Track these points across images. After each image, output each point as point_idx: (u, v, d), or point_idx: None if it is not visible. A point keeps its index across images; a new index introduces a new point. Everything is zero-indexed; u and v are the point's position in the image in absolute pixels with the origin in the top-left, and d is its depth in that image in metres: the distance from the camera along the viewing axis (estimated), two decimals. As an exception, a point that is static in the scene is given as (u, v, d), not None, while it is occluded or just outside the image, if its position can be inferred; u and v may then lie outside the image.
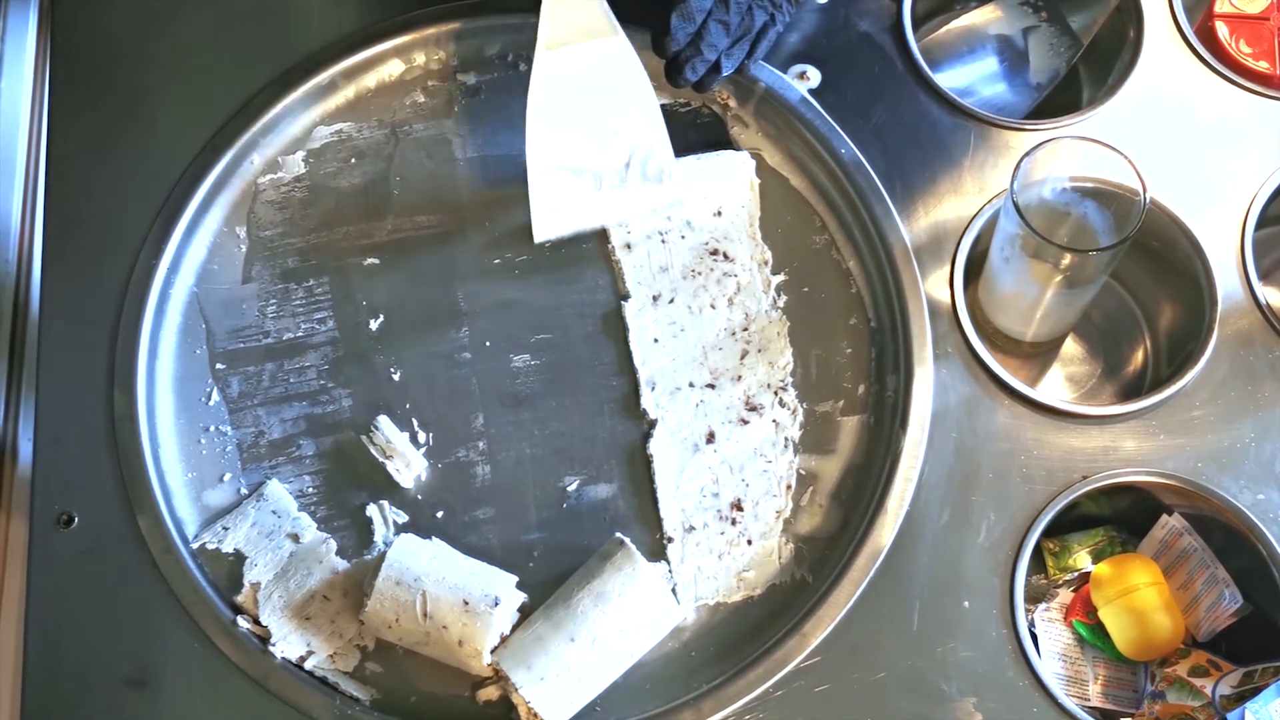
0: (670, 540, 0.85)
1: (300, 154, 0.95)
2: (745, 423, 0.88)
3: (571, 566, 0.82)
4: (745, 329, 0.90)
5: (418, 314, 0.91)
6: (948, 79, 1.00)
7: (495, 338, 0.90)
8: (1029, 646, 0.80)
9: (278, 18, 0.98)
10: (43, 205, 0.94)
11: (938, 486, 0.84)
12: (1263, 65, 0.96)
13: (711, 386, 0.88)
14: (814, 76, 0.96)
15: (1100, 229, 0.84)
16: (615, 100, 0.88)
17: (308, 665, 0.81)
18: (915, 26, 0.98)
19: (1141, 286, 0.95)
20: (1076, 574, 0.87)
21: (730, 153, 0.94)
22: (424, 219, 0.94)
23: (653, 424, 0.87)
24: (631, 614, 0.78)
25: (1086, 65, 1.03)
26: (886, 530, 0.83)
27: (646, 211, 0.92)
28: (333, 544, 0.84)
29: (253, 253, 0.93)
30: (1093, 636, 0.85)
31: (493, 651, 0.79)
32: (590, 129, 0.89)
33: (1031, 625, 0.85)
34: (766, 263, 0.92)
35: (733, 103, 0.96)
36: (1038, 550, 0.86)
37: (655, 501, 0.86)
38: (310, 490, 0.86)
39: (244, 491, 0.86)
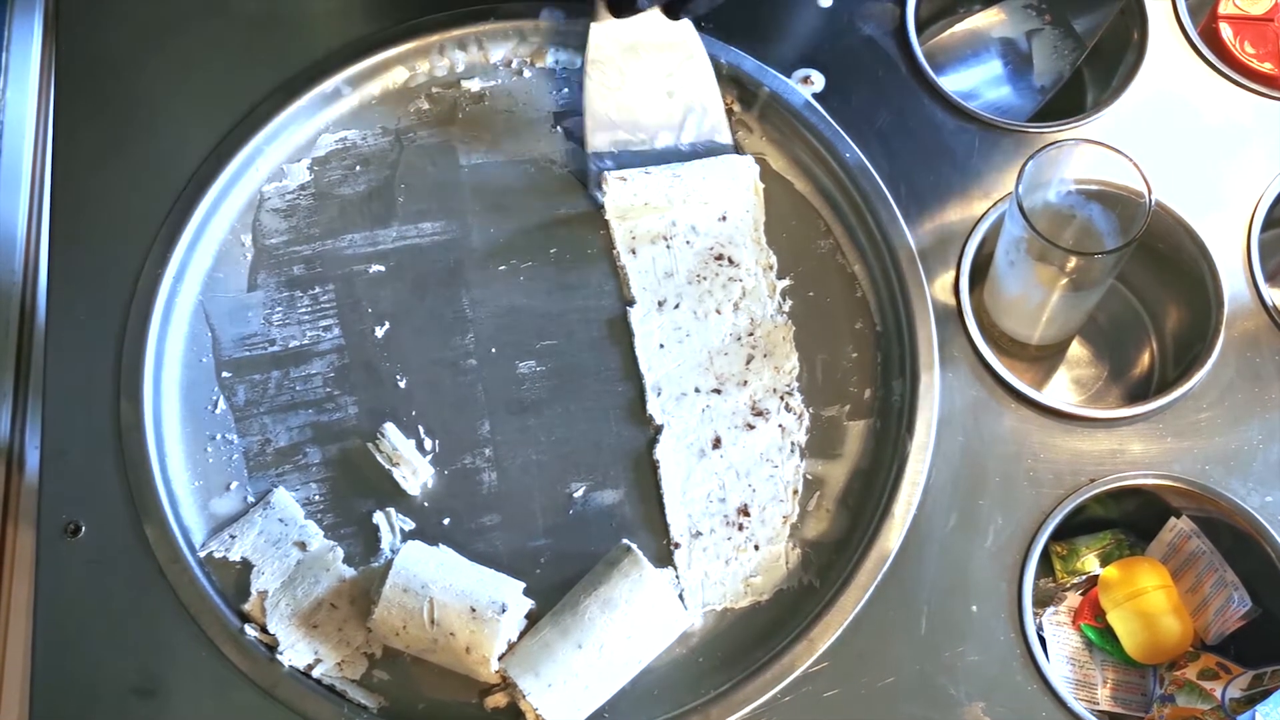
0: (677, 546, 0.85)
1: (305, 162, 0.95)
2: (751, 428, 0.88)
3: (578, 573, 0.82)
4: (751, 334, 0.90)
5: (423, 321, 0.91)
6: (952, 82, 1.00)
7: (501, 344, 0.90)
8: (1037, 650, 0.80)
9: (281, 26, 0.98)
10: (48, 214, 0.94)
11: (944, 491, 0.84)
12: (1267, 67, 0.96)
13: (717, 392, 0.88)
14: (818, 81, 0.96)
15: (1105, 232, 0.84)
16: (669, 63, 0.91)
17: (315, 673, 0.81)
18: (919, 30, 0.98)
19: (1147, 289, 0.95)
20: (1084, 577, 0.86)
21: (734, 156, 0.94)
22: (429, 226, 0.94)
23: (659, 429, 0.87)
24: (639, 620, 0.78)
25: (1090, 68, 1.03)
26: (893, 535, 0.83)
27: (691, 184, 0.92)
28: (340, 552, 0.84)
29: (258, 261, 0.93)
30: (1101, 640, 0.85)
31: (500, 658, 0.79)
32: (645, 91, 0.91)
33: (1040, 629, 0.85)
34: (771, 267, 0.92)
35: (737, 107, 0.96)
36: (1045, 554, 0.86)
37: (662, 507, 0.86)
38: (317, 498, 0.86)
39: (251, 500, 0.86)
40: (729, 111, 0.96)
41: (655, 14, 0.88)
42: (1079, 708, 0.79)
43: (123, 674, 0.81)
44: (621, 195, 0.91)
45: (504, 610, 0.79)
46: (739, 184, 0.93)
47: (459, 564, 0.82)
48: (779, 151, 0.95)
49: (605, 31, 0.90)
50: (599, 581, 0.80)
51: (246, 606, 0.83)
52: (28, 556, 0.87)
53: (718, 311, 0.90)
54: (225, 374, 0.90)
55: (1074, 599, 0.87)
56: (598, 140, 0.92)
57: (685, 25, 0.90)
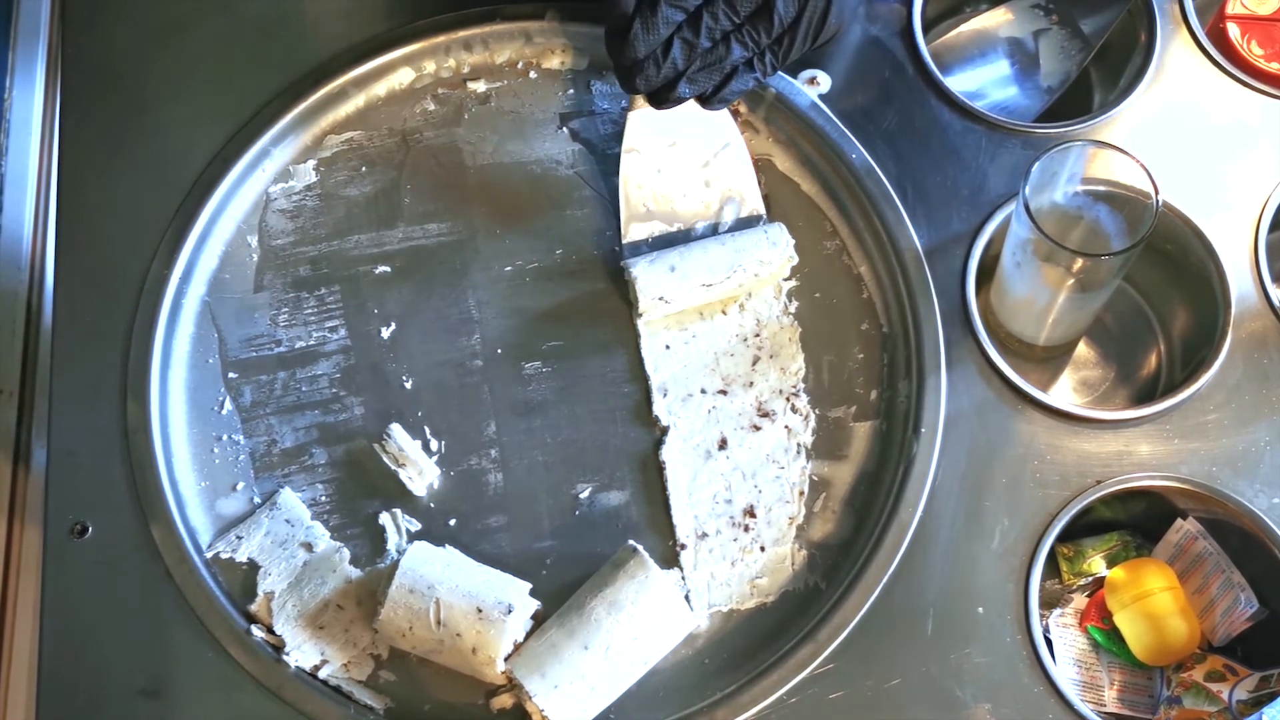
0: (683, 547, 0.85)
1: (311, 162, 0.95)
2: (757, 429, 0.87)
3: (584, 574, 0.82)
4: (757, 335, 0.90)
5: (429, 322, 0.91)
6: (958, 82, 1.00)
7: (507, 345, 0.90)
8: (1044, 652, 0.80)
9: (288, 27, 0.99)
10: (55, 215, 0.95)
11: (951, 492, 0.84)
12: (1275, 67, 0.96)
13: (723, 393, 0.88)
14: (824, 81, 0.96)
15: (1113, 233, 0.84)
16: (706, 151, 0.91)
17: (322, 674, 0.81)
18: (925, 30, 0.98)
19: (1155, 290, 0.95)
20: (1091, 579, 0.86)
21: (765, 234, 0.90)
22: (435, 227, 0.94)
23: (665, 431, 0.87)
24: (645, 621, 0.78)
25: (1098, 68, 1.02)
26: (900, 536, 0.83)
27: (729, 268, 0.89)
28: (346, 553, 0.84)
29: (264, 261, 0.93)
30: (1108, 642, 0.85)
31: (506, 659, 0.79)
32: (682, 180, 0.91)
33: (1046, 631, 0.85)
34: (778, 268, 0.92)
35: (743, 109, 0.96)
36: (1052, 555, 0.85)
37: (668, 508, 0.86)
38: (323, 499, 0.87)
39: (257, 500, 0.86)
40: (735, 113, 0.96)
41: (692, 103, 0.87)
42: (1085, 710, 0.79)
43: (129, 675, 0.81)
44: (655, 311, 0.89)
45: (510, 611, 0.79)
46: (772, 245, 0.90)
47: (465, 565, 0.82)
48: (785, 152, 0.95)
49: (642, 119, 0.89)
50: (605, 583, 0.80)
51: (253, 607, 0.83)
52: (34, 557, 0.87)
53: (724, 312, 0.90)
54: (231, 375, 0.90)
55: (1080, 600, 0.87)
56: (634, 230, 0.91)
57: (722, 113, 0.90)
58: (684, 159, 0.91)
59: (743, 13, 0.81)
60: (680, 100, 0.85)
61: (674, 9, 0.80)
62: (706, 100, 0.86)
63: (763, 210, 0.92)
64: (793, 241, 0.89)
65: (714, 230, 0.92)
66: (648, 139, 0.90)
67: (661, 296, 0.87)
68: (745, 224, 0.92)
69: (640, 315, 0.89)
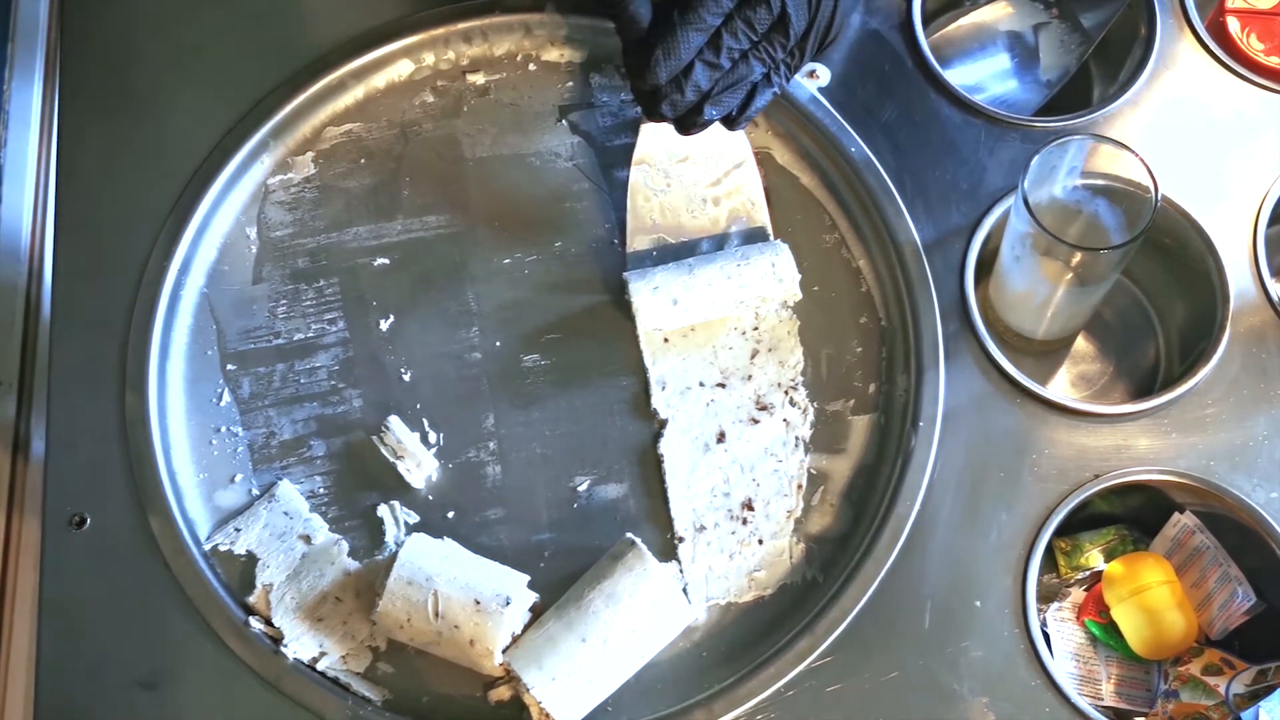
0: (681, 540, 0.85)
1: (310, 154, 0.95)
2: (756, 422, 0.87)
3: (582, 567, 0.82)
4: (755, 328, 0.90)
5: (428, 314, 0.91)
6: (958, 75, 1.00)
7: (505, 338, 0.90)
8: (1041, 646, 0.80)
9: (287, 19, 0.98)
10: (54, 208, 0.94)
11: (948, 486, 0.84)
12: (1274, 61, 0.96)
13: (722, 386, 0.88)
14: (824, 75, 0.96)
15: (1112, 227, 0.84)
16: (717, 169, 0.90)
17: (320, 666, 0.81)
18: (925, 23, 0.98)
19: (1154, 284, 0.95)
20: (1088, 573, 0.86)
21: (770, 254, 0.89)
22: (434, 219, 0.94)
23: (663, 424, 0.87)
24: (643, 614, 0.78)
25: (1097, 62, 1.02)
26: (898, 530, 0.83)
27: (735, 292, 0.88)
28: (344, 545, 0.84)
29: (263, 253, 0.93)
30: (1105, 635, 0.85)
31: (504, 651, 0.79)
32: (691, 196, 0.91)
33: (1044, 624, 0.85)
34: (777, 262, 0.92)
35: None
36: (1049, 549, 0.86)
37: (666, 501, 0.86)
38: (321, 491, 0.87)
39: (255, 492, 0.86)
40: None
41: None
42: (1083, 704, 0.79)
43: (127, 666, 0.81)
44: (655, 340, 0.90)
45: (508, 603, 0.79)
46: (778, 281, 0.89)
47: (463, 557, 0.82)
48: (784, 145, 0.95)
49: (655, 133, 0.89)
50: (603, 575, 0.80)
51: (251, 599, 0.83)
52: (33, 548, 0.87)
53: (723, 306, 0.90)
54: (230, 366, 0.90)
55: (1078, 594, 0.87)
56: (638, 242, 0.91)
57: (737, 133, 0.89)
58: (694, 174, 0.91)
59: (760, 30, 0.79)
60: (707, 124, 0.83)
61: (695, 32, 0.78)
62: (733, 121, 0.84)
63: (769, 225, 0.92)
64: (798, 277, 0.88)
65: (719, 246, 0.91)
66: (658, 152, 0.90)
67: (659, 328, 0.88)
68: (751, 239, 0.91)
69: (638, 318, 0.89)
